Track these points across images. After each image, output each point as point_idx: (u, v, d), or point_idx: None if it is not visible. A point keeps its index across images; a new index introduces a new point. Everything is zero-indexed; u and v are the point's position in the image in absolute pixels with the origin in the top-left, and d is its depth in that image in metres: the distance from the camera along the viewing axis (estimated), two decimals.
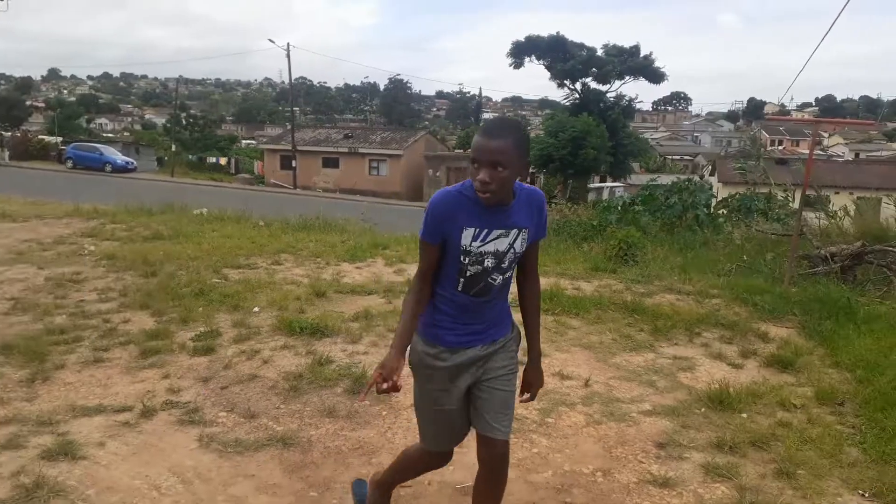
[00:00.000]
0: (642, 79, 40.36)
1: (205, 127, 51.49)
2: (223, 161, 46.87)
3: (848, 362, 5.02)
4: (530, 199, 2.27)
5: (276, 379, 4.27)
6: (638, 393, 4.34)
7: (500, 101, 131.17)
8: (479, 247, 2.19)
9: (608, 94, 39.95)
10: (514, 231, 2.23)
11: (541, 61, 39.97)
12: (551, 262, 9.11)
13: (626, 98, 40.33)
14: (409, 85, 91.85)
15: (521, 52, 40.11)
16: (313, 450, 3.38)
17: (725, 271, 9.01)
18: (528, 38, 39.94)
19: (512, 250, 2.24)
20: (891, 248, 9.31)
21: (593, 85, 40.02)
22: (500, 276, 2.27)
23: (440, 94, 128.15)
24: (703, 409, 4.08)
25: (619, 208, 14.13)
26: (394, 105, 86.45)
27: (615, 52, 39.50)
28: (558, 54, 39.15)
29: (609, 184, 34.43)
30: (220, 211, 13.04)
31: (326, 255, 8.71)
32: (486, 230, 2.19)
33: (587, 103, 38.69)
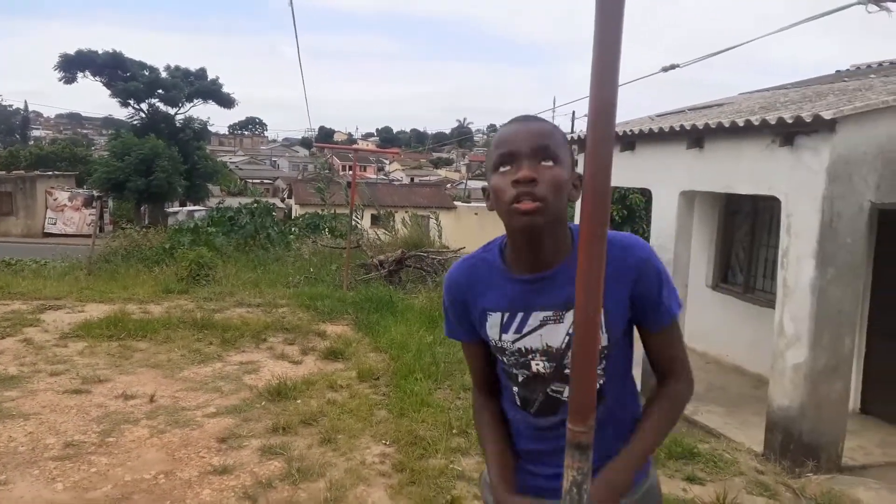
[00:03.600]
0: (212, 102, 40.25)
1: None
2: None
3: (385, 346, 6.10)
4: (610, 258, 1.15)
5: None
6: (204, 399, 4.57)
7: (53, 116, 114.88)
8: (513, 341, 1.39)
9: (178, 117, 38.74)
10: (573, 314, 1.22)
11: (97, 78, 36.59)
12: (118, 288, 8.69)
13: (198, 121, 39.64)
14: None
15: (72, 66, 36.02)
16: None
17: (294, 283, 9.86)
18: (80, 53, 36.13)
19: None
20: (424, 254, 11.62)
21: (161, 106, 38.34)
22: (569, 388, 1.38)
23: None
24: (263, 403, 4.52)
25: (191, 230, 14.02)
26: None
27: (180, 75, 38.54)
28: (117, 72, 36.44)
29: (189, 207, 33.47)
30: None
31: None
32: (519, 314, 1.37)
33: (156, 124, 36.84)
